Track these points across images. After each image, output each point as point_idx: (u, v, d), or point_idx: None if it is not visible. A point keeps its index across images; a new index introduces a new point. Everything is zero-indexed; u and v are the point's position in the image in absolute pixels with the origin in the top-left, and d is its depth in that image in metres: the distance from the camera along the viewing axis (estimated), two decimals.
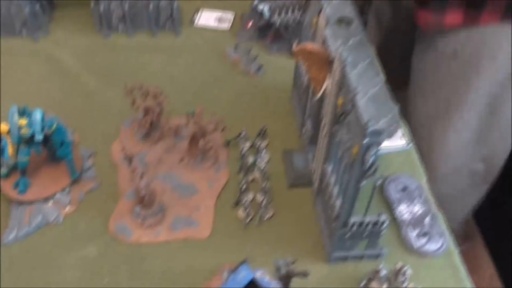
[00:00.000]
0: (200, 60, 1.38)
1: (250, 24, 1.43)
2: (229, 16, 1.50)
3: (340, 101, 0.83)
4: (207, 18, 1.49)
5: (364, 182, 0.80)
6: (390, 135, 0.75)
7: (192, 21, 1.48)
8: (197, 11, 1.51)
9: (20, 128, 0.92)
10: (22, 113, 0.94)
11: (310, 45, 0.89)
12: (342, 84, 0.82)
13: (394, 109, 0.77)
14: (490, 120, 1.35)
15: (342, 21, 0.90)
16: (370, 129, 0.72)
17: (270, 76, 1.34)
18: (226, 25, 1.48)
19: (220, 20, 1.49)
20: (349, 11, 0.92)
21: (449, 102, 1.35)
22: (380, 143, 0.75)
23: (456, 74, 1.31)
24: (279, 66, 1.37)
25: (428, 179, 1.11)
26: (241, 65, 1.34)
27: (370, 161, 0.76)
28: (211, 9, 1.51)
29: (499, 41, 1.23)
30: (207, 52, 1.40)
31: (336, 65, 0.85)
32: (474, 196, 1.59)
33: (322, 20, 0.93)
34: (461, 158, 1.42)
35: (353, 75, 0.79)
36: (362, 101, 0.76)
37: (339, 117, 0.85)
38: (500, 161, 1.46)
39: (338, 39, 0.85)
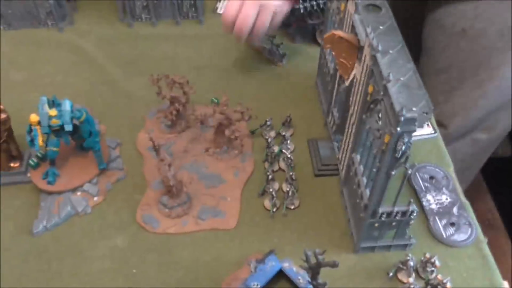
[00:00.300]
0: (224, 48, 1.37)
1: None
2: None
3: (370, 89, 0.81)
4: None
5: (395, 171, 0.79)
6: (422, 123, 0.74)
7: (214, 10, 1.47)
8: None
9: (50, 118, 0.93)
10: (52, 103, 0.94)
11: (340, 32, 0.87)
12: (373, 72, 0.81)
13: (425, 96, 0.75)
14: (498, 98, 1.36)
15: (371, 7, 0.88)
16: (404, 117, 0.70)
17: (294, 64, 1.33)
18: None
19: None
20: None
21: (459, 81, 1.36)
22: (413, 132, 0.73)
23: (465, 52, 1.32)
24: (302, 54, 1.35)
25: None
26: (264, 53, 1.33)
27: (402, 149, 0.75)
28: None
29: (506, 18, 1.23)
30: (230, 40, 1.37)
31: (366, 52, 0.83)
32: (475, 163, 1.63)
33: (350, 7, 0.91)
34: (466, 129, 1.45)
35: (384, 63, 0.78)
36: (394, 89, 0.75)
37: (369, 105, 0.83)
38: (502, 131, 1.49)
39: (368, 25, 0.83)
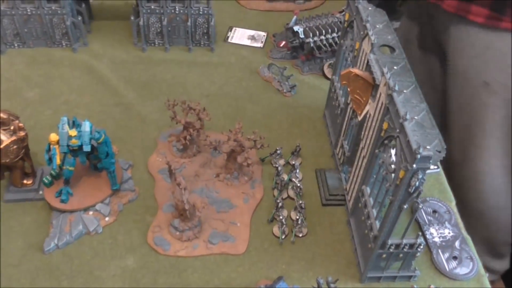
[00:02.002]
0: (234, 76, 1.41)
1: (283, 43, 1.46)
2: (261, 35, 1.54)
3: (385, 125, 0.85)
4: (240, 36, 1.53)
5: (407, 205, 0.82)
6: (436, 161, 0.77)
7: (226, 39, 1.51)
8: (230, 29, 1.54)
9: (69, 138, 0.95)
10: (72, 124, 0.96)
11: (356, 70, 0.91)
12: (388, 110, 0.84)
13: (438, 136, 0.79)
14: None
15: (386, 48, 0.93)
16: (420, 155, 0.74)
17: (302, 95, 1.37)
18: (259, 44, 1.51)
19: (253, 38, 1.52)
20: (392, 38, 0.95)
21: (481, 130, 1.37)
22: (427, 169, 0.77)
23: (486, 103, 1.33)
24: (310, 86, 1.40)
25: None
26: (274, 84, 1.37)
27: (416, 185, 0.78)
28: (244, 28, 1.55)
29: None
30: (241, 69, 1.43)
31: (382, 91, 0.87)
32: None
33: (366, 46, 0.95)
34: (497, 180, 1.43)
35: (399, 101, 0.82)
36: (409, 127, 0.78)
37: (383, 141, 0.87)
38: None
39: (384, 65, 0.87)
